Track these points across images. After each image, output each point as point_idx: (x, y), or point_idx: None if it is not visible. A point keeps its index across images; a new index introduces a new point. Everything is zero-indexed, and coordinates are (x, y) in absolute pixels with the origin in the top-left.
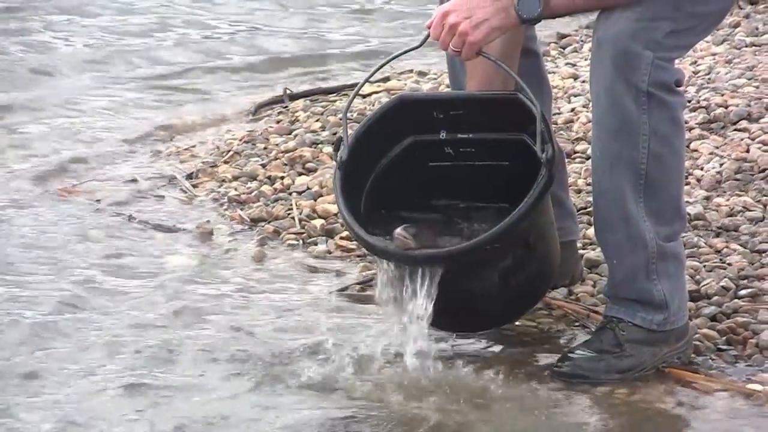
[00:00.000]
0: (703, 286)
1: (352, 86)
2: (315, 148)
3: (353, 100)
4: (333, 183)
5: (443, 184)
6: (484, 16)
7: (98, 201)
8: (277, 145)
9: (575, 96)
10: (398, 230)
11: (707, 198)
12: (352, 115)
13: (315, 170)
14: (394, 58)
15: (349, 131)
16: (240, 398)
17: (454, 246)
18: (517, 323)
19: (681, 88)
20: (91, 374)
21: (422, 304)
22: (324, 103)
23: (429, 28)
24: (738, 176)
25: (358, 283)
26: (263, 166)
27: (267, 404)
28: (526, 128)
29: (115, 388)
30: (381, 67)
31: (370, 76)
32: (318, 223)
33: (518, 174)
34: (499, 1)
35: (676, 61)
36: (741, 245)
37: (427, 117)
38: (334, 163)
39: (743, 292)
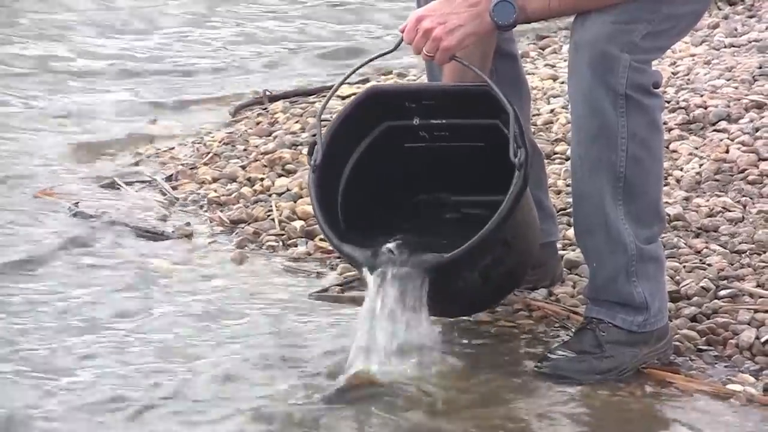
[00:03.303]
0: (683, 286)
1: (331, 88)
2: (294, 149)
3: (326, 105)
4: (309, 189)
5: (421, 177)
6: (459, 21)
7: (77, 204)
8: (256, 146)
9: (554, 97)
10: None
11: (687, 199)
12: (330, 116)
13: (294, 172)
14: (366, 64)
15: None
16: (222, 402)
17: (430, 259)
18: (497, 324)
19: (658, 90)
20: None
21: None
22: (303, 105)
23: (403, 32)
24: (717, 177)
25: (338, 285)
26: (243, 167)
27: (240, 408)
28: (498, 116)
29: (95, 394)
30: (352, 73)
31: (342, 81)
32: (298, 224)
33: (496, 155)
34: (474, 7)
35: (655, 62)
36: (721, 246)
37: (399, 107)
38: (309, 166)
39: (723, 292)
